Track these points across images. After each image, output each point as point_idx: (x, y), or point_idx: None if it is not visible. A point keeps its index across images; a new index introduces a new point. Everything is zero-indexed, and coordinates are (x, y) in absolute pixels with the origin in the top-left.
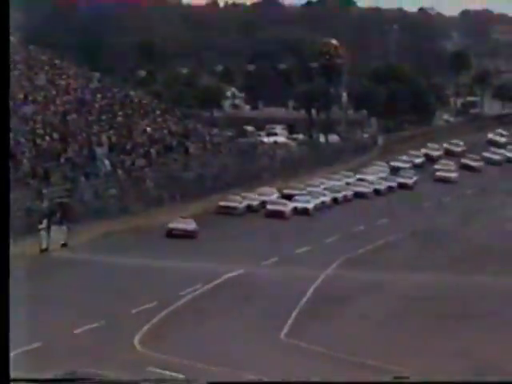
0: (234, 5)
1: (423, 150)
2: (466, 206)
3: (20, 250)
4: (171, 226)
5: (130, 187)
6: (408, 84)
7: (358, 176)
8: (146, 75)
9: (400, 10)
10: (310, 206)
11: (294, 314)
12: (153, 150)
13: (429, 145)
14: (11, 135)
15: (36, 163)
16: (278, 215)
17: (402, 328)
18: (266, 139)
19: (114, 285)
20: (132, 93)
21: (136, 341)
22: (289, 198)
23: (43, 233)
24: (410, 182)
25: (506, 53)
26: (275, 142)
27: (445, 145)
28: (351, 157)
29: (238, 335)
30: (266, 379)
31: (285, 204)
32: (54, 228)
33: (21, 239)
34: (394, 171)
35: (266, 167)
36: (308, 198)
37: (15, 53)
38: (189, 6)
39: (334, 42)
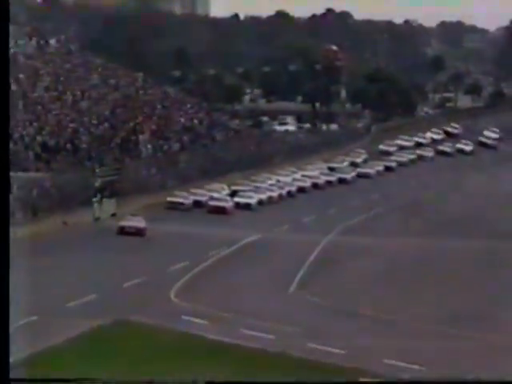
0: (252, 17)
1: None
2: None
3: (78, 218)
4: (122, 223)
5: (166, 167)
6: (395, 83)
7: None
8: (180, 75)
9: (389, 22)
10: (253, 201)
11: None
12: (185, 137)
13: (401, 136)
14: (73, 125)
15: (91, 148)
16: (220, 211)
17: (389, 283)
18: (278, 128)
19: (153, 247)
20: (169, 90)
21: (172, 293)
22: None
23: (96, 205)
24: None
25: (475, 57)
26: (286, 131)
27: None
28: (348, 142)
29: (255, 288)
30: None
31: (226, 200)
32: (105, 201)
33: (79, 210)
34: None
35: (278, 151)
36: (251, 193)
37: (75, 57)
38: (215, 18)
39: (334, 48)
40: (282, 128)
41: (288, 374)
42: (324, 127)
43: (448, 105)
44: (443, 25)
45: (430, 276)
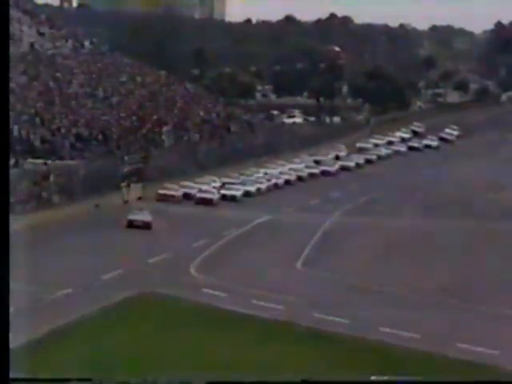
0: (263, 22)
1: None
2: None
3: (109, 201)
4: (131, 217)
5: (187, 156)
6: (391, 80)
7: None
8: (199, 73)
9: (386, 25)
10: (238, 193)
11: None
12: (204, 129)
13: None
14: (104, 118)
15: (120, 138)
16: (207, 202)
17: (388, 258)
18: (286, 120)
19: (175, 226)
20: (189, 86)
21: (192, 268)
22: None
23: (125, 189)
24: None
25: (463, 57)
26: (294, 123)
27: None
28: (350, 133)
29: (266, 264)
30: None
31: (213, 192)
32: (132, 186)
33: (109, 194)
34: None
35: (287, 141)
36: (238, 186)
37: (106, 58)
38: (230, 22)
39: (336, 48)
40: (290, 120)
41: (295, 342)
42: (328, 120)
43: (439, 100)
44: (434, 28)
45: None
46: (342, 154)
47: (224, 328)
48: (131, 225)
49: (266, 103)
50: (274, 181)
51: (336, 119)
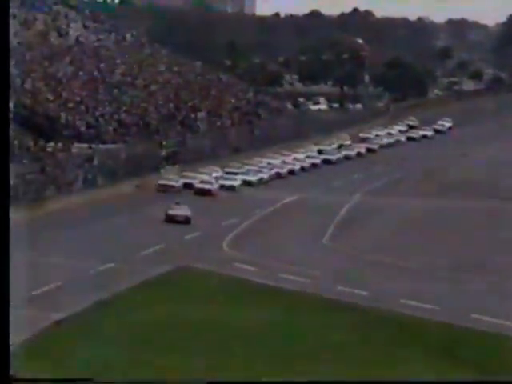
0: (291, 16)
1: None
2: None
3: (148, 182)
4: (171, 212)
5: (219, 140)
6: (410, 69)
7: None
8: (231, 64)
9: (405, 19)
10: (236, 183)
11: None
12: (235, 115)
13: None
14: (143, 105)
15: (158, 124)
16: (206, 193)
17: (406, 235)
18: (312, 107)
19: (208, 205)
20: (222, 76)
21: (224, 244)
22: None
23: (163, 171)
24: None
25: (477, 49)
26: (319, 109)
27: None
28: (371, 119)
29: (294, 240)
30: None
31: (212, 183)
32: (169, 168)
33: (149, 175)
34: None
35: (312, 127)
36: (235, 176)
37: (146, 49)
38: (259, 16)
39: (359, 40)
40: (316, 107)
41: (319, 312)
42: (351, 106)
43: (454, 88)
44: (450, 21)
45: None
46: (348, 142)
47: (254, 299)
48: (171, 220)
49: (292, 91)
50: (275, 170)
51: (358, 106)
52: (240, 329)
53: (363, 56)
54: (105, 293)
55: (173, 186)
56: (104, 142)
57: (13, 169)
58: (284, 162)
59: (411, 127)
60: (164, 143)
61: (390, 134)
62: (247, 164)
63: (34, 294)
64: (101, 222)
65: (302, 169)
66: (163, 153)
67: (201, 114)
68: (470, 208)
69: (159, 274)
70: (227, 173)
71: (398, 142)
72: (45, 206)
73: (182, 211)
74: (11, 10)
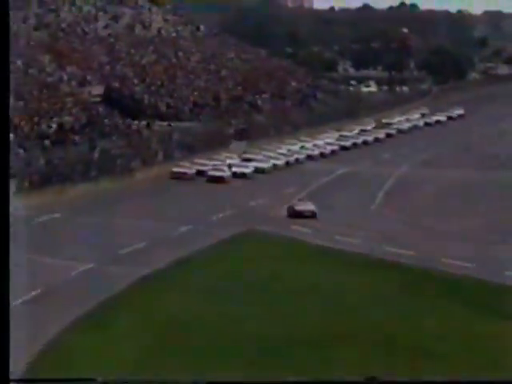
0: (344, 9)
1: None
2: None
3: (217, 156)
4: (299, 208)
5: (281, 119)
6: (450, 55)
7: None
8: (292, 51)
9: (446, 11)
10: (248, 170)
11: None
12: (296, 97)
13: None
14: (215, 87)
15: (228, 104)
16: (219, 180)
17: (448, 202)
18: (363, 89)
19: (276, 176)
20: (284, 62)
21: (283, 208)
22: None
23: (232, 145)
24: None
25: (511, 38)
26: (369, 91)
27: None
28: (416, 99)
29: (346, 205)
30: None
31: (224, 170)
32: (238, 143)
33: (220, 149)
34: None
35: (364, 106)
36: (245, 163)
37: (217, 39)
38: (317, 10)
39: (405, 30)
40: (366, 89)
41: (369, 270)
42: (398, 89)
43: (490, 72)
44: (487, 13)
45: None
46: (369, 127)
47: (311, 258)
48: (298, 215)
49: (346, 76)
50: (295, 156)
51: (405, 88)
52: (299, 283)
53: (409, 44)
54: (185, 251)
55: (185, 173)
56: (181, 121)
57: (103, 144)
58: (303, 148)
59: (423, 115)
60: (233, 122)
61: (408, 120)
62: (303, 141)
63: (120, 252)
64: (179, 188)
65: (322, 155)
66: (232, 130)
67: (265, 96)
68: (503, 178)
69: (229, 236)
70: (243, 159)
71: (415, 126)
72: (132, 176)
73: (308, 207)
74: (102, 5)
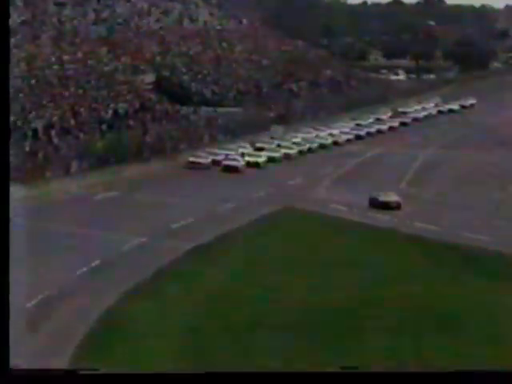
0: (375, 4)
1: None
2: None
3: (260, 139)
4: (384, 199)
5: (318, 105)
6: (474, 46)
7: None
8: (327, 43)
9: (471, 5)
10: (261, 160)
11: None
12: (330, 84)
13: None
14: (257, 76)
15: (268, 93)
16: (233, 170)
17: (465, 180)
18: (393, 77)
19: (313, 159)
20: (319, 52)
21: (323, 188)
22: (260, 149)
23: (272, 129)
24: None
25: None
26: (398, 79)
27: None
28: (442, 86)
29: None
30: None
31: (238, 160)
32: (277, 127)
33: (261, 133)
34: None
35: (392, 93)
36: (261, 153)
37: (259, 31)
38: (350, 4)
39: (432, 23)
40: (395, 78)
41: (398, 243)
42: (425, 77)
43: (511, 62)
44: (508, 7)
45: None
46: (385, 116)
47: (346, 233)
48: (385, 206)
49: (376, 65)
50: (307, 145)
51: (431, 76)
52: (336, 255)
53: (435, 36)
54: (227, 226)
55: (200, 163)
56: (225, 106)
57: (154, 128)
58: (317, 137)
59: (436, 105)
60: (273, 107)
61: (424, 109)
62: (332, 127)
63: (173, 226)
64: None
65: (335, 143)
66: (272, 115)
67: (303, 84)
68: None
69: (269, 213)
70: (256, 149)
71: (430, 114)
72: (179, 157)
73: (393, 198)
74: (153, 1)
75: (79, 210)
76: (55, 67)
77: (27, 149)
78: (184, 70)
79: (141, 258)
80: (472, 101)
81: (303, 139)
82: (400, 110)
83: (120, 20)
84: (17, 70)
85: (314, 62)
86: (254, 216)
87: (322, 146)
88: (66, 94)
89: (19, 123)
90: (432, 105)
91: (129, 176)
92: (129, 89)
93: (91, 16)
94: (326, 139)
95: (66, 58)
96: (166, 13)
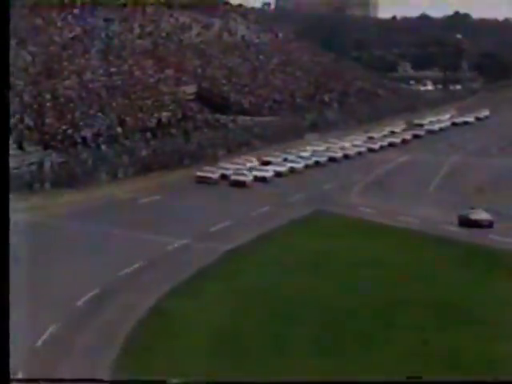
0: (405, 18)
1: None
2: None
3: (294, 145)
4: (472, 217)
5: (347, 114)
6: (498, 58)
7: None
8: (357, 55)
9: (495, 19)
10: (268, 174)
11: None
12: (361, 94)
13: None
14: (291, 86)
15: (302, 101)
16: (241, 184)
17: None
18: (421, 88)
19: (342, 166)
20: (350, 64)
21: (353, 193)
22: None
23: (306, 137)
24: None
25: None
26: (426, 90)
27: None
28: (468, 96)
29: (405, 189)
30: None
31: (246, 175)
32: (311, 134)
33: (294, 140)
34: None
35: (421, 103)
36: (266, 167)
37: (292, 44)
38: (381, 19)
39: (459, 36)
40: (424, 88)
41: (425, 246)
42: (451, 87)
43: None
44: None
45: None
46: (399, 129)
47: (374, 235)
48: (473, 224)
49: (405, 76)
50: (314, 159)
51: (458, 87)
52: (359, 258)
53: (462, 48)
54: (263, 228)
55: (210, 178)
56: (262, 116)
57: (196, 136)
58: (328, 150)
59: (451, 117)
60: (306, 116)
61: (440, 121)
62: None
63: (211, 230)
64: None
65: (346, 156)
66: (306, 123)
67: (334, 94)
68: None
69: (301, 216)
70: (262, 163)
71: (446, 127)
72: (219, 164)
73: (484, 215)
74: (194, 16)
75: (124, 212)
76: (103, 79)
77: (77, 156)
78: (223, 81)
79: (181, 258)
80: (486, 113)
81: (314, 151)
82: (416, 121)
83: (163, 34)
84: (68, 82)
85: (345, 74)
86: (288, 218)
87: (332, 159)
88: (114, 104)
89: (70, 132)
90: (448, 116)
91: (172, 181)
92: (172, 99)
93: (137, 31)
94: (336, 152)
95: (113, 70)
96: (206, 27)
